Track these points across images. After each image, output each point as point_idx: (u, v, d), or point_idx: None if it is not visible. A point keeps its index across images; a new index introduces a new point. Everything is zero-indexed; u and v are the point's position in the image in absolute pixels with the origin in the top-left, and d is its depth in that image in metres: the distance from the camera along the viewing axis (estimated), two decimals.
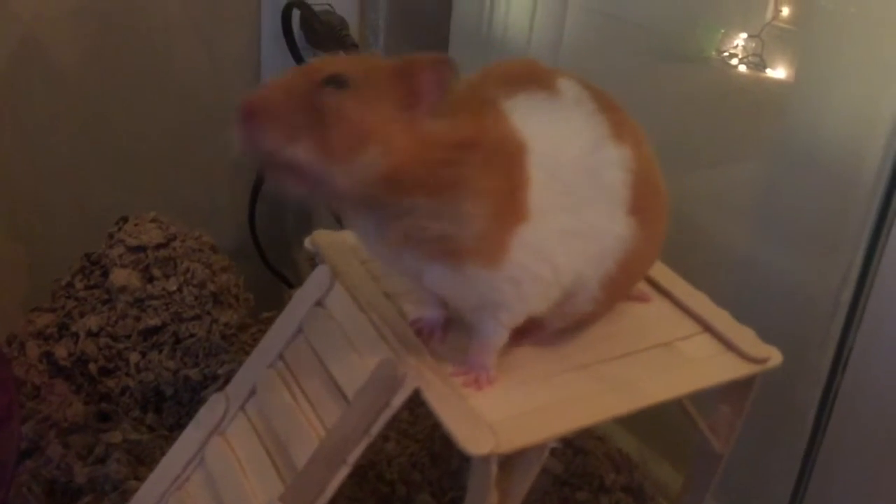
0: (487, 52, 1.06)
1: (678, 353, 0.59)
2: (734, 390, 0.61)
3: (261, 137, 0.44)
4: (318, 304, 0.61)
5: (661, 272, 0.66)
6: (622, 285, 0.58)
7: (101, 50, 0.98)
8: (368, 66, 0.47)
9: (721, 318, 0.62)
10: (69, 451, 0.78)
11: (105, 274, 0.90)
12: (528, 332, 0.58)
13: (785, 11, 0.78)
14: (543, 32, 1.01)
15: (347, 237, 0.66)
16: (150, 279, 0.89)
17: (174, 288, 0.88)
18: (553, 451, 0.69)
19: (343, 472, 0.53)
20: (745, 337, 0.60)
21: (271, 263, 1.16)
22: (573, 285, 0.55)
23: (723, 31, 0.84)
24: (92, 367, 0.85)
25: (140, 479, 0.76)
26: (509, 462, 0.52)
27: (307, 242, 0.66)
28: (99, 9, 0.96)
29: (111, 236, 0.92)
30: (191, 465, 0.62)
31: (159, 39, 1.02)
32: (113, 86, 1.01)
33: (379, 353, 0.55)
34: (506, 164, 0.49)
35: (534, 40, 1.03)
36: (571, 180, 0.52)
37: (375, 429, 0.53)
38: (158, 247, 0.91)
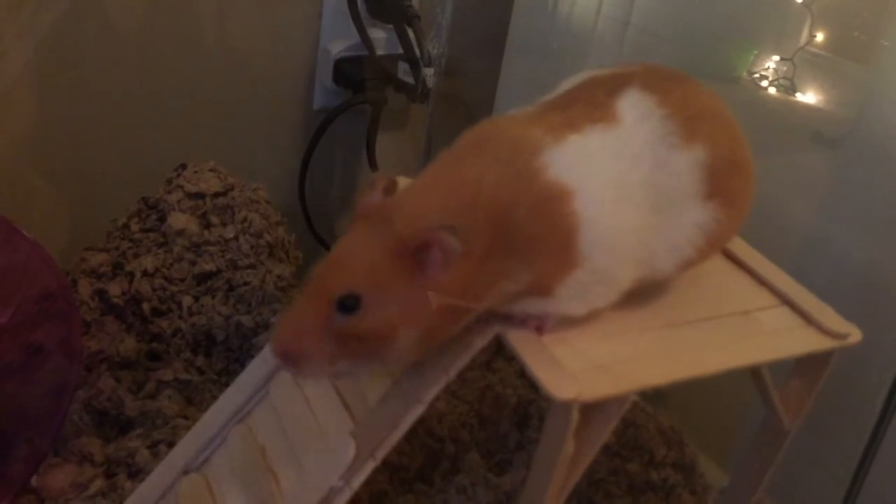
0: (548, 33, 1.06)
1: (757, 323, 0.59)
2: (809, 365, 0.60)
3: (306, 374, 0.51)
4: None
5: (739, 246, 0.66)
6: (698, 261, 0.58)
7: (162, 5, 0.97)
8: (366, 264, 0.48)
9: (800, 293, 0.61)
10: (120, 385, 0.78)
11: (161, 218, 0.90)
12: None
13: (819, 37, 0.78)
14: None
15: None
16: (208, 225, 0.89)
17: (231, 235, 0.88)
18: None
19: (418, 411, 0.53)
20: (825, 312, 0.60)
21: (316, 230, 1.16)
22: (646, 278, 0.56)
23: (756, 52, 0.85)
24: (145, 306, 0.85)
25: (189, 418, 0.76)
26: (586, 414, 0.51)
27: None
28: None
29: (169, 182, 0.92)
30: (254, 398, 0.62)
31: (221, 5, 1.02)
32: (171, 44, 1.00)
33: None
34: (542, 228, 0.49)
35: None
36: (640, 199, 0.53)
37: (454, 369, 0.53)
38: (217, 195, 0.91)
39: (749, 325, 0.59)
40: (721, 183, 0.55)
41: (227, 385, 0.64)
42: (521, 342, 0.52)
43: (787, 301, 0.61)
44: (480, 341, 0.52)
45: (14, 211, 0.77)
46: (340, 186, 1.23)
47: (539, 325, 0.53)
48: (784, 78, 0.82)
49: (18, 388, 0.80)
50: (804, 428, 0.64)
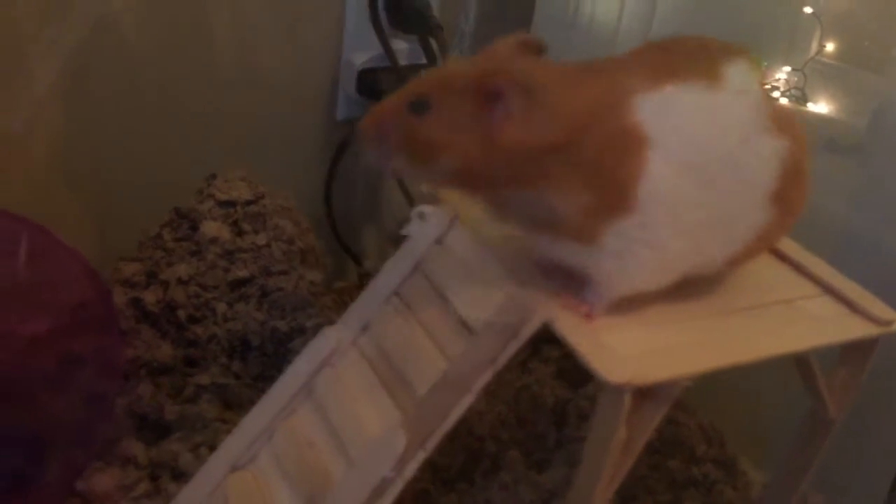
0: (571, 30, 1.06)
1: (801, 311, 0.59)
2: (854, 353, 0.60)
3: (368, 156, 0.54)
4: (438, 242, 0.61)
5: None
6: (745, 259, 0.59)
7: (185, 19, 0.98)
8: (449, 82, 0.51)
9: (842, 282, 0.61)
10: (159, 390, 0.79)
11: (193, 227, 0.91)
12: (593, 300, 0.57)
13: (829, 47, 0.79)
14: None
15: None
16: (240, 233, 0.90)
17: (263, 242, 0.89)
18: None
19: (468, 400, 0.53)
20: (868, 299, 0.60)
21: (342, 239, 1.17)
22: (694, 268, 0.55)
23: (766, 63, 0.85)
24: (181, 313, 0.85)
25: (228, 421, 0.76)
26: (637, 400, 0.51)
27: (424, 185, 0.65)
28: None
29: (200, 191, 0.93)
30: (298, 396, 0.62)
31: (245, 19, 1.03)
32: (195, 58, 1.00)
33: (505, 286, 0.55)
34: (609, 159, 0.50)
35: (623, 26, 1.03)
36: (715, 174, 0.52)
37: (502, 359, 0.53)
38: (248, 203, 0.92)
39: (794, 314, 0.59)
40: (787, 188, 0.55)
41: (263, 390, 0.64)
42: (570, 329, 0.52)
43: (829, 290, 0.61)
44: (528, 330, 0.53)
45: (45, 224, 0.78)
46: (364, 197, 1.23)
47: (588, 312, 0.53)
48: (795, 88, 0.82)
49: (56, 397, 0.81)
50: (849, 420, 0.64)
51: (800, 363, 0.59)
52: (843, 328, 0.58)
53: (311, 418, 0.60)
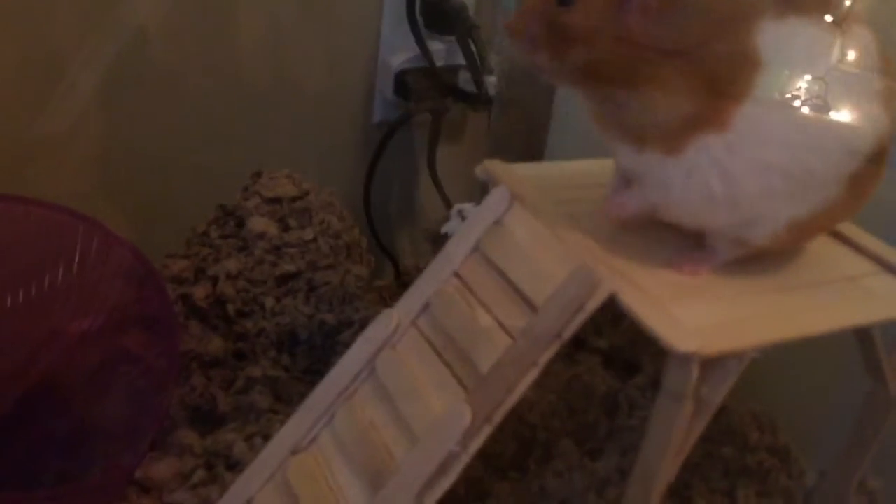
0: None
1: (863, 287, 0.59)
2: None
3: (515, 50, 0.56)
4: (497, 223, 0.61)
5: None
6: (808, 233, 0.58)
7: (223, 25, 0.99)
8: None
9: None
10: (211, 382, 0.79)
11: (240, 224, 0.92)
12: (704, 260, 0.58)
13: (851, 55, 0.79)
14: None
15: (516, 168, 0.66)
16: (286, 228, 0.90)
17: (310, 237, 0.89)
18: None
19: (533, 374, 0.53)
20: None
21: (380, 240, 1.17)
22: (754, 216, 0.55)
23: (787, 72, 0.85)
24: (230, 307, 0.86)
25: (279, 413, 0.77)
26: (704, 372, 0.51)
27: (479, 170, 0.66)
28: None
29: (246, 189, 0.94)
30: (359, 377, 0.62)
31: (283, 22, 1.04)
32: (234, 63, 1.02)
33: (568, 263, 0.55)
34: (719, 74, 0.50)
35: None
36: (809, 120, 0.52)
37: (568, 332, 0.53)
38: (294, 199, 0.92)
39: (857, 290, 0.58)
40: (867, 168, 0.54)
41: (312, 383, 0.64)
42: (636, 301, 0.52)
43: (889, 267, 0.61)
44: (594, 302, 0.53)
45: None
46: (401, 198, 1.24)
47: (692, 270, 0.56)
48: (818, 97, 0.82)
49: (105, 392, 0.82)
50: None
51: (863, 341, 0.59)
52: None
53: (372, 399, 0.60)
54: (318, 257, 0.88)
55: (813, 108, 0.52)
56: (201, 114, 1.01)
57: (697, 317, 0.52)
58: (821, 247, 0.63)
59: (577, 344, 0.87)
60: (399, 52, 1.11)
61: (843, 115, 0.53)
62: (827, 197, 0.54)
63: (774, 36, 0.50)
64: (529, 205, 0.61)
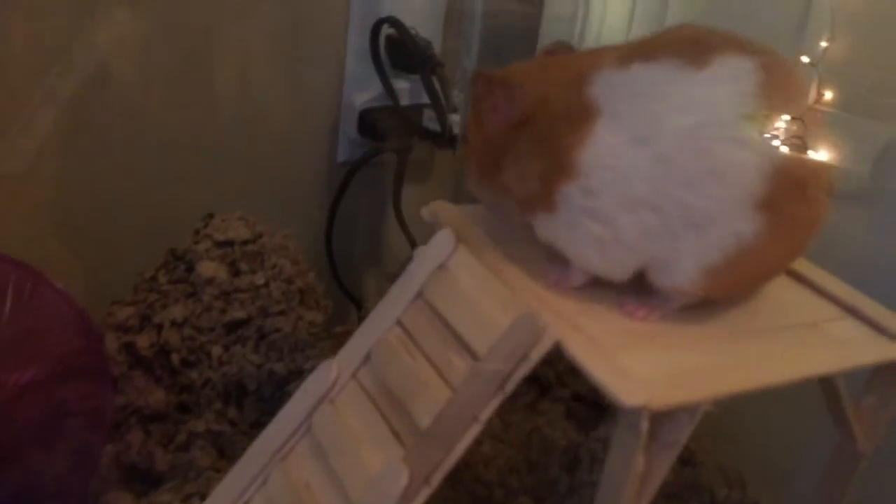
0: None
1: (824, 334, 0.56)
2: (882, 379, 0.57)
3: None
4: (441, 267, 0.58)
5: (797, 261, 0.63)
6: (736, 279, 0.54)
7: (186, 62, 0.97)
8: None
9: (866, 303, 0.58)
10: (150, 438, 0.75)
11: (189, 269, 0.88)
12: (655, 305, 0.55)
13: (828, 95, 0.79)
14: None
15: (465, 209, 0.63)
16: (237, 273, 0.87)
17: (261, 282, 0.86)
18: None
19: (474, 430, 0.50)
20: (894, 319, 0.56)
21: (343, 283, 1.14)
22: (654, 259, 0.53)
23: (765, 112, 0.84)
24: (174, 357, 0.82)
25: (221, 470, 0.72)
26: (655, 427, 0.48)
27: (424, 212, 0.63)
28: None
29: (197, 232, 0.91)
30: (296, 434, 0.58)
31: (244, 60, 1.02)
32: (194, 100, 0.99)
33: (513, 310, 0.52)
34: (558, 128, 0.53)
35: None
36: (672, 152, 0.50)
37: (510, 384, 0.50)
38: (246, 242, 0.89)
39: (817, 336, 0.55)
40: (783, 198, 0.51)
41: None
42: (582, 350, 0.49)
43: (852, 311, 0.58)
44: (538, 352, 0.49)
45: (42, 266, 0.76)
46: (366, 238, 1.21)
47: (644, 316, 0.54)
48: (795, 137, 0.81)
49: (43, 447, 0.77)
50: (880, 453, 0.60)
51: (826, 390, 0.56)
52: (869, 350, 0.55)
53: (308, 458, 0.57)
54: (269, 303, 0.85)
55: (679, 143, 0.50)
56: (161, 153, 0.98)
57: (647, 366, 0.49)
58: (781, 290, 0.60)
59: (541, 393, 0.83)
60: (363, 91, 1.09)
61: (719, 148, 0.50)
62: (734, 236, 0.51)
63: (610, 82, 0.52)
64: (475, 248, 0.58)
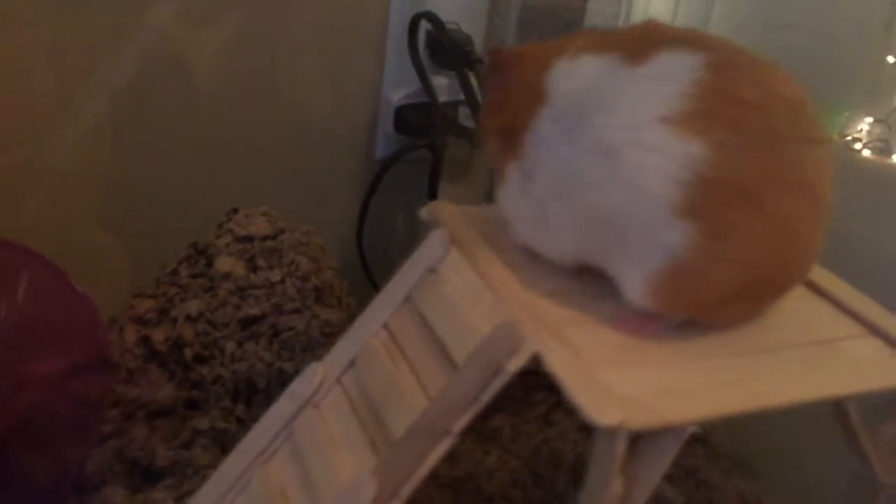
0: None
1: (840, 353, 0.51)
2: None
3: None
4: (431, 270, 0.55)
5: (820, 273, 0.58)
6: (694, 296, 0.49)
7: (227, 61, 0.97)
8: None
9: (890, 322, 0.53)
10: (154, 434, 0.74)
11: (210, 263, 0.87)
12: (650, 317, 0.51)
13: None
14: None
15: (467, 210, 0.61)
16: (255, 269, 0.86)
17: (277, 279, 0.84)
18: (672, 479, 0.61)
19: (446, 444, 0.47)
20: None
21: (374, 279, 1.12)
22: (590, 256, 0.53)
23: (847, 113, 0.80)
24: (187, 352, 0.81)
25: None
26: (637, 448, 0.44)
27: (423, 212, 0.61)
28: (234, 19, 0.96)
29: (220, 226, 0.90)
30: (278, 438, 0.57)
31: (284, 56, 1.01)
32: (236, 97, 0.99)
33: (496, 316, 0.49)
34: (515, 109, 0.54)
35: None
36: (592, 150, 0.49)
37: (486, 396, 0.47)
38: (266, 238, 0.88)
39: (830, 356, 0.51)
40: (713, 207, 0.46)
41: None
42: (561, 363, 0.46)
43: (876, 331, 0.53)
44: (515, 363, 0.46)
45: (76, 261, 0.77)
46: (402, 237, 1.19)
47: (634, 328, 0.51)
48: (879, 140, 0.77)
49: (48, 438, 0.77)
50: None
51: (839, 415, 0.51)
52: (886, 374, 0.50)
53: (287, 464, 0.55)
54: (283, 300, 0.83)
55: (596, 141, 0.49)
56: (201, 148, 0.99)
57: (634, 383, 0.46)
58: (800, 302, 0.55)
59: (557, 403, 0.80)
60: (400, 87, 1.07)
61: (630, 148, 0.47)
62: (661, 247, 0.47)
63: (561, 71, 0.52)
64: (469, 251, 0.55)
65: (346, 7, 1.03)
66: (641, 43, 0.50)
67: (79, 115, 0.91)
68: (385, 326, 0.55)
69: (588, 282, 0.54)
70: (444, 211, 0.60)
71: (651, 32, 0.52)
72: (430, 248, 0.56)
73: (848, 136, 0.79)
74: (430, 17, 1.03)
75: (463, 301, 0.52)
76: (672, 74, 0.48)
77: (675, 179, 0.46)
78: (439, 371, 0.50)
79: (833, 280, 0.57)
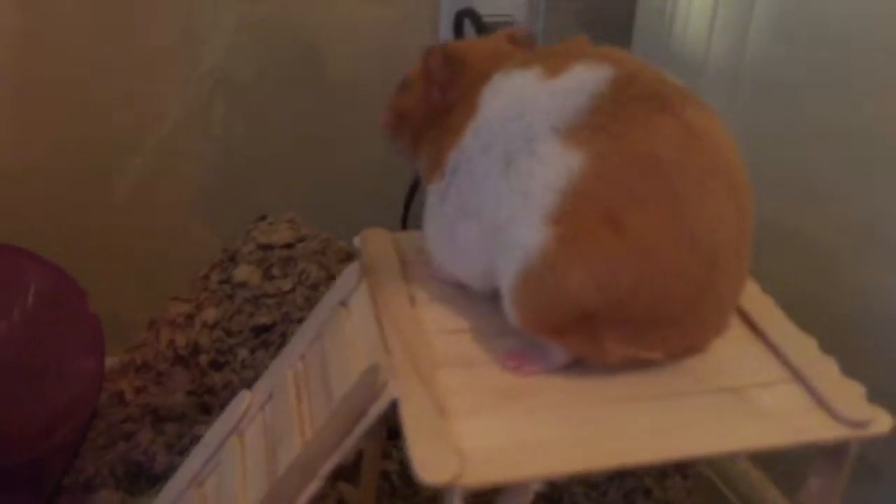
0: (668, 60, 0.96)
1: (748, 402, 0.47)
2: (825, 461, 0.47)
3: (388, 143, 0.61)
4: (342, 303, 0.55)
5: (763, 307, 0.54)
6: (538, 301, 0.47)
7: (273, 60, 1.00)
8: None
9: (820, 368, 0.49)
10: (158, 439, 0.78)
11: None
12: (535, 357, 0.49)
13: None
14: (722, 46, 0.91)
15: (406, 237, 0.60)
16: (271, 278, 0.88)
17: (288, 288, 0.87)
18: None
19: (313, 487, 0.47)
20: (845, 392, 0.47)
21: None
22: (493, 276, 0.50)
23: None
24: (203, 358, 0.85)
25: None
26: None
27: (356, 240, 0.61)
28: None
29: (248, 233, 0.93)
30: (210, 463, 0.58)
31: (341, 51, 1.03)
32: (282, 94, 1.02)
33: (374, 357, 0.48)
34: (447, 124, 0.53)
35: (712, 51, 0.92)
36: (494, 162, 0.49)
37: (349, 441, 0.47)
38: (285, 246, 0.90)
39: (736, 405, 0.47)
40: (579, 218, 0.46)
41: None
42: (413, 413, 0.45)
43: (798, 377, 0.48)
44: (377, 409, 0.46)
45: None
46: None
47: (515, 366, 0.49)
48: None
49: None
50: None
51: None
52: (794, 428, 0.45)
53: (212, 493, 0.57)
54: (292, 309, 0.86)
55: (497, 151, 0.49)
56: (250, 157, 1.04)
57: (489, 435, 0.44)
58: (726, 343, 0.51)
59: None
60: None
61: (523, 155, 0.48)
62: (520, 248, 0.47)
63: (492, 86, 0.51)
64: (381, 283, 0.55)
65: (400, 3, 1.04)
66: (562, 58, 0.50)
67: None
68: (302, 358, 0.56)
69: (501, 318, 0.52)
70: (373, 240, 0.59)
71: (574, 49, 0.52)
72: (345, 280, 0.56)
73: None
74: (471, 14, 1.02)
75: (355, 338, 0.51)
76: (575, 88, 0.48)
77: (552, 188, 0.46)
78: (324, 410, 0.50)
79: (771, 313, 0.53)
